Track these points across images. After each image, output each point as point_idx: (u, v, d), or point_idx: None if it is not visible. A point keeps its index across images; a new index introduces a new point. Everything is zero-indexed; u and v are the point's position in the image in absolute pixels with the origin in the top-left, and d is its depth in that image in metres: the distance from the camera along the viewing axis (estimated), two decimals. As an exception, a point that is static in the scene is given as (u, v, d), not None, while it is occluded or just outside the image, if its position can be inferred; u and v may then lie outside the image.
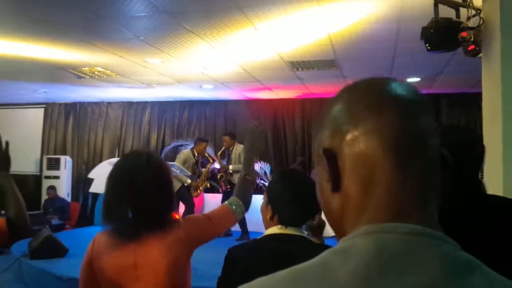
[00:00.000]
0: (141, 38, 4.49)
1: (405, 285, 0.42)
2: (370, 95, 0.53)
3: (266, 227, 1.46)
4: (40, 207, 7.78)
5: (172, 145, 8.20)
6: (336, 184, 0.52)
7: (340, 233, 0.53)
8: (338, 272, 0.44)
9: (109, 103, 8.77)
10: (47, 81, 6.77)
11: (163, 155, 8.07)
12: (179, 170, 6.13)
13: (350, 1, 3.49)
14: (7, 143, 1.54)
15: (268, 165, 7.52)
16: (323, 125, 0.56)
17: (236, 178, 6.27)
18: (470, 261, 0.46)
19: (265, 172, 7.43)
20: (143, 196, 1.41)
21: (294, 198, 1.40)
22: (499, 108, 2.43)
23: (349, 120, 0.52)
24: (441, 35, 2.60)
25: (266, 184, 7.28)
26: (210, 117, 8.37)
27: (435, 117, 0.53)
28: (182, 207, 6.27)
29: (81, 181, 8.60)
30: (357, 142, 0.50)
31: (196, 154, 6.50)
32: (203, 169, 6.63)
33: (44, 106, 9.01)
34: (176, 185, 6.12)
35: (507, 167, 2.36)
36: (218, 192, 6.86)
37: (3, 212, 1.52)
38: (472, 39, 2.63)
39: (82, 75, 6.20)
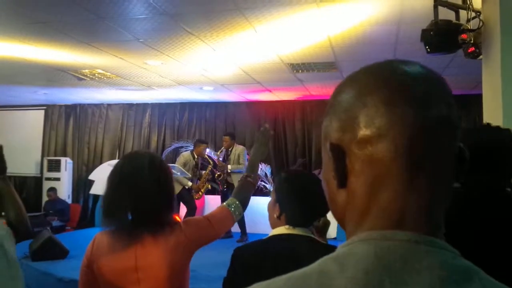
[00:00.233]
0: (141, 40, 4.49)
1: None
2: (385, 86, 0.49)
3: (273, 226, 1.46)
4: (41, 209, 7.77)
5: (172, 147, 8.21)
6: (342, 182, 0.50)
7: (342, 226, 0.52)
8: (336, 279, 0.44)
9: (109, 105, 8.78)
10: (47, 83, 6.77)
11: (163, 156, 8.08)
12: (179, 172, 6.13)
13: (350, 3, 3.50)
14: (0, 147, 1.53)
15: (268, 166, 7.52)
16: (331, 112, 0.53)
17: (233, 179, 6.28)
18: (469, 269, 0.45)
19: (265, 174, 7.43)
20: (144, 197, 1.40)
21: (302, 198, 1.41)
22: (500, 110, 2.44)
23: (360, 116, 0.49)
24: (441, 37, 2.60)
25: (267, 185, 7.32)
26: (210, 119, 8.38)
27: (452, 97, 0.50)
28: (183, 210, 6.27)
29: (81, 183, 8.60)
30: (368, 144, 0.48)
31: (196, 156, 6.50)
32: (203, 172, 6.63)
33: (45, 108, 9.02)
34: (177, 188, 6.12)
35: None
36: (219, 194, 6.86)
37: (3, 213, 1.52)
38: (472, 41, 2.63)
39: (83, 77, 6.20)
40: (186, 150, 7.07)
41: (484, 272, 0.46)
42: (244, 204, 1.63)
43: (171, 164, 6.26)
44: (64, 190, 8.24)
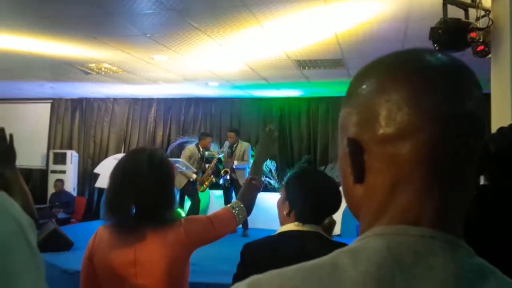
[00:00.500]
0: (148, 35, 4.50)
1: None
2: (409, 80, 0.46)
3: (282, 223, 1.46)
4: (46, 201, 7.84)
5: (177, 142, 8.23)
6: (359, 178, 0.48)
7: (357, 219, 0.51)
8: (348, 272, 0.43)
9: (115, 99, 8.81)
10: (54, 76, 6.80)
11: (168, 151, 8.10)
12: (184, 167, 6.15)
13: (358, 0, 3.47)
14: (11, 136, 1.54)
15: (273, 162, 7.52)
16: (350, 103, 0.50)
17: (238, 175, 6.28)
18: (485, 268, 0.44)
19: (270, 170, 7.43)
20: (144, 193, 1.42)
21: (312, 196, 1.41)
22: (509, 110, 2.42)
23: (381, 112, 0.46)
24: (450, 35, 2.58)
25: (271, 182, 7.32)
26: (215, 114, 8.39)
27: (480, 89, 0.47)
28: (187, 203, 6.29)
29: (87, 176, 8.66)
30: (389, 144, 0.46)
31: (201, 149, 6.51)
32: (208, 165, 6.64)
33: (51, 101, 9.07)
34: (182, 181, 6.14)
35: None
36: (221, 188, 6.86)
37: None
38: (481, 40, 2.61)
39: (89, 71, 6.22)
40: (190, 145, 7.08)
41: (502, 273, 0.45)
42: (249, 207, 1.61)
43: (176, 159, 6.28)
44: (70, 183, 8.30)
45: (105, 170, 7.45)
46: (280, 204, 1.49)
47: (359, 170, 0.48)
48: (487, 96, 2.97)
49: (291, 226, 1.40)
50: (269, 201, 4.84)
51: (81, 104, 8.99)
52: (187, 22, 4.06)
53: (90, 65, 5.88)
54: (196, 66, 5.75)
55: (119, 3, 3.68)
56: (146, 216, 1.43)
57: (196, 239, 1.46)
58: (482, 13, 2.66)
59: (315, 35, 4.37)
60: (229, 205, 1.60)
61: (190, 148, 6.61)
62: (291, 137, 7.97)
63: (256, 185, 1.66)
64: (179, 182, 6.08)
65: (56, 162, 8.41)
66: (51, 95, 8.68)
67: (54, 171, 8.34)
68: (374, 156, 0.47)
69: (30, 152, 8.34)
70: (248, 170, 5.52)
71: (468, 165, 0.47)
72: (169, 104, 8.56)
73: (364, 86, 0.49)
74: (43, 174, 8.71)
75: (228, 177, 6.36)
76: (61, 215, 7.21)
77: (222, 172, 6.44)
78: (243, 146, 6.49)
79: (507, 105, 2.43)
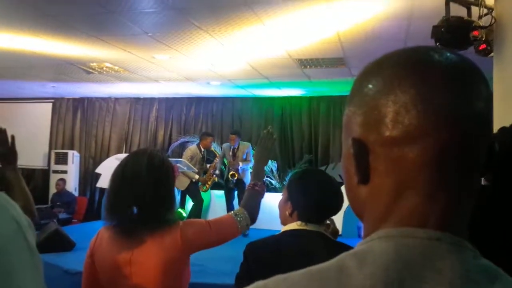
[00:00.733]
0: (149, 34, 4.49)
1: None
2: (416, 80, 0.45)
3: (284, 223, 1.46)
4: (48, 201, 7.85)
5: (179, 141, 8.22)
6: (364, 179, 0.48)
7: (361, 220, 0.51)
8: (355, 275, 0.43)
9: (117, 99, 8.81)
10: (55, 76, 6.80)
11: (170, 151, 8.10)
12: (186, 167, 6.15)
13: (360, -1, 3.46)
14: (13, 137, 1.55)
15: (274, 162, 7.51)
16: (355, 102, 0.49)
17: (241, 174, 6.28)
18: (492, 269, 0.44)
19: (271, 170, 7.42)
20: (143, 195, 1.43)
21: (315, 196, 1.41)
22: (511, 108, 2.40)
23: (387, 113, 0.45)
24: (452, 34, 2.57)
25: (272, 182, 7.31)
26: (217, 113, 8.38)
27: (488, 88, 0.46)
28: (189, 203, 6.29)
29: (88, 176, 8.66)
30: (395, 146, 0.45)
31: (203, 150, 6.51)
32: (209, 165, 6.64)
33: (53, 101, 9.07)
34: (185, 182, 6.15)
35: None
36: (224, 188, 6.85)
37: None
38: (483, 38, 2.59)
39: (91, 70, 6.22)
40: (192, 145, 7.08)
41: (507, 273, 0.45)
42: (253, 214, 1.57)
43: (178, 159, 6.28)
44: (71, 183, 8.30)
45: (106, 170, 7.45)
46: (282, 205, 1.49)
47: (364, 171, 0.48)
48: (490, 95, 2.96)
49: (294, 226, 1.40)
50: (270, 201, 4.82)
51: (82, 104, 8.99)
52: (188, 21, 4.05)
53: (92, 64, 5.88)
54: (198, 65, 5.75)
55: (120, 2, 3.67)
56: (146, 217, 1.44)
57: (193, 243, 1.45)
58: (485, 11, 2.64)
59: (317, 34, 4.36)
60: (232, 211, 1.58)
61: (192, 148, 6.62)
62: (292, 136, 7.97)
63: (259, 191, 1.63)
64: (182, 183, 6.08)
65: (57, 162, 8.42)
66: (53, 94, 8.69)
67: (55, 171, 8.35)
68: (380, 158, 0.46)
69: (32, 152, 8.35)
70: (250, 169, 5.52)
71: (474, 166, 0.46)
72: (170, 104, 8.55)
73: (370, 86, 0.48)
74: (45, 174, 8.72)
75: (235, 180, 6.35)
76: (62, 215, 7.21)
77: (229, 175, 6.40)
78: (244, 146, 6.51)
79: (509, 104, 2.42)
